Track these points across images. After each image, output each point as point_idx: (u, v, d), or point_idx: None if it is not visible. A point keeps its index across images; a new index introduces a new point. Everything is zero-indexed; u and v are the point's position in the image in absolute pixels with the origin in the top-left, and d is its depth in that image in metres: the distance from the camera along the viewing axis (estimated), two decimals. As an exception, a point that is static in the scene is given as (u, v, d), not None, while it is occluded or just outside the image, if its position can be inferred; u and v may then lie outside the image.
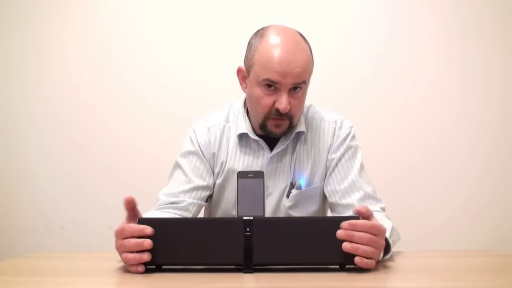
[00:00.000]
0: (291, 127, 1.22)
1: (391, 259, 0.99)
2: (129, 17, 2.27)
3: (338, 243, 0.84)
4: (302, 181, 1.26)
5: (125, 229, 0.87)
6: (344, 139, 1.28)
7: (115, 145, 2.25)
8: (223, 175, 1.28)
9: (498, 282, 0.82)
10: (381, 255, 0.91)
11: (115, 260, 0.97)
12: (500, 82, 2.16)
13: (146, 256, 0.86)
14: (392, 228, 1.06)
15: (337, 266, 0.88)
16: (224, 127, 1.31)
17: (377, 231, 0.86)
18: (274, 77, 1.14)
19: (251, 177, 0.93)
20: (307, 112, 1.33)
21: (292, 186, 1.27)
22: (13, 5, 2.31)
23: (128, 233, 0.86)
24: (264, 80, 1.16)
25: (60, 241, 2.24)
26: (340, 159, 1.26)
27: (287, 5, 2.20)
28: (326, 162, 1.28)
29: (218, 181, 1.29)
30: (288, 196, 1.27)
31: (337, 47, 2.20)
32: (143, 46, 2.26)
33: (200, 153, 1.29)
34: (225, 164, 1.28)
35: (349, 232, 0.84)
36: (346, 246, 0.84)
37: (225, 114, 1.33)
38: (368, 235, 0.85)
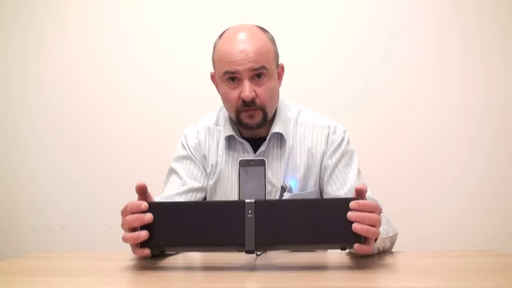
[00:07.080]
0: (266, 118, 1.22)
1: (391, 259, 0.99)
2: (128, 18, 2.27)
3: (339, 224, 0.84)
4: (293, 183, 1.26)
5: (127, 206, 0.89)
6: (339, 145, 1.27)
7: (115, 145, 2.25)
8: (214, 177, 1.29)
9: (499, 282, 0.81)
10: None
11: (115, 260, 0.98)
12: (501, 83, 2.15)
13: (144, 234, 0.86)
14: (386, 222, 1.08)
15: (339, 250, 0.89)
16: (213, 130, 1.31)
17: (377, 210, 0.87)
18: (231, 67, 1.16)
19: (252, 164, 0.95)
20: (297, 116, 1.31)
21: (283, 190, 1.26)
22: (13, 5, 2.31)
23: (129, 209, 0.88)
24: (225, 74, 1.18)
25: (60, 241, 2.24)
26: (336, 165, 1.25)
27: (288, 6, 2.20)
28: (321, 168, 1.27)
29: (210, 183, 1.29)
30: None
31: (338, 50, 2.19)
32: (142, 47, 2.26)
33: (192, 156, 1.29)
34: (216, 167, 1.28)
35: (359, 213, 0.84)
36: (356, 227, 0.83)
37: (215, 117, 1.34)
38: (377, 216, 0.85)
